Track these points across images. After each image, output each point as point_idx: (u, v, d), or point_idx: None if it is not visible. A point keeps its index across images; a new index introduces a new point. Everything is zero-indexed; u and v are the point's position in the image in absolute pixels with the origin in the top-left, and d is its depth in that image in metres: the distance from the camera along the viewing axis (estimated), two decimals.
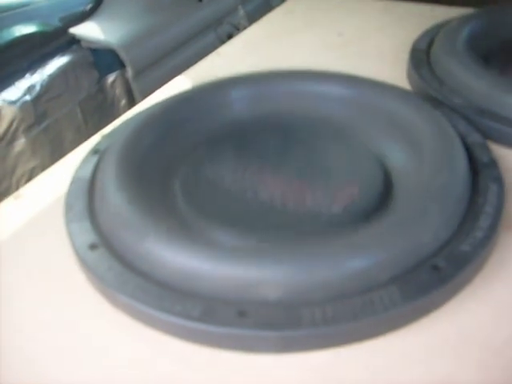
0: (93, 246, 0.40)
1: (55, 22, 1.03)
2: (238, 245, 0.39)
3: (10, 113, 0.87)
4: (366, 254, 0.36)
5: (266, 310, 0.34)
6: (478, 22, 0.65)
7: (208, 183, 0.48)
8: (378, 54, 0.71)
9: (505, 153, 0.50)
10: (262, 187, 0.47)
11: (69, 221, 0.43)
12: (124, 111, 0.62)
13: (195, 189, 0.47)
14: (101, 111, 1.01)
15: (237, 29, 1.15)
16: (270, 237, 0.41)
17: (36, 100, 0.90)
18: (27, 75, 0.91)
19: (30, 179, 0.54)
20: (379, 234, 0.37)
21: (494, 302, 0.37)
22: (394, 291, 0.35)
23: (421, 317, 0.36)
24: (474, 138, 0.49)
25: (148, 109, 0.56)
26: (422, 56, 0.64)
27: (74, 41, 0.98)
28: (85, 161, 0.50)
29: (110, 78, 1.01)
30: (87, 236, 0.41)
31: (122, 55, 0.98)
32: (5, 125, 0.87)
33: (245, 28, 0.87)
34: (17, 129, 0.88)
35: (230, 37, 1.09)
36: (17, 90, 0.89)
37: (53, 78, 0.93)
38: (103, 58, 0.99)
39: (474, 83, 0.55)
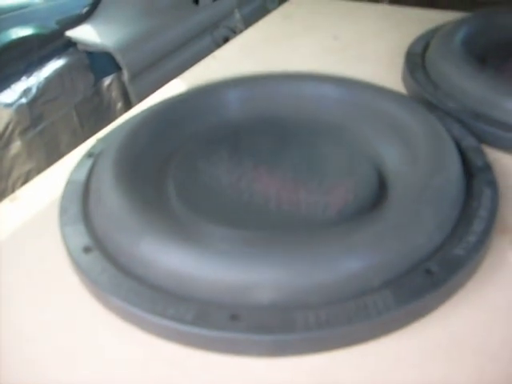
0: (87, 249, 0.40)
1: (52, 25, 1.04)
2: (232, 247, 0.39)
3: (5, 115, 0.87)
4: (359, 258, 0.36)
5: (259, 313, 0.34)
6: (472, 26, 0.66)
7: (203, 185, 0.48)
8: (374, 57, 0.71)
9: (499, 156, 0.50)
10: (257, 189, 0.47)
11: (63, 224, 0.43)
12: (120, 114, 0.62)
13: (190, 191, 0.47)
14: (97, 114, 1.01)
15: (233, 32, 1.16)
16: (264, 239, 0.41)
17: (32, 103, 0.90)
18: (23, 78, 0.91)
19: (25, 182, 0.54)
20: (373, 238, 0.37)
21: (487, 306, 0.37)
22: (387, 295, 0.35)
23: (414, 321, 0.36)
24: (469, 141, 0.49)
25: (142, 112, 0.56)
26: (417, 60, 0.64)
27: (71, 44, 0.98)
28: (79, 164, 0.50)
29: (106, 81, 1.01)
30: (81, 239, 0.41)
31: (118, 58, 0.98)
32: (1, 127, 0.87)
33: (241, 31, 0.87)
34: (13, 131, 0.88)
35: (226, 40, 1.09)
36: (13, 93, 0.89)
37: (49, 81, 0.93)
38: (99, 61, 0.99)
39: (469, 87, 0.55)
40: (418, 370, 0.33)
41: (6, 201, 0.50)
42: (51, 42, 0.97)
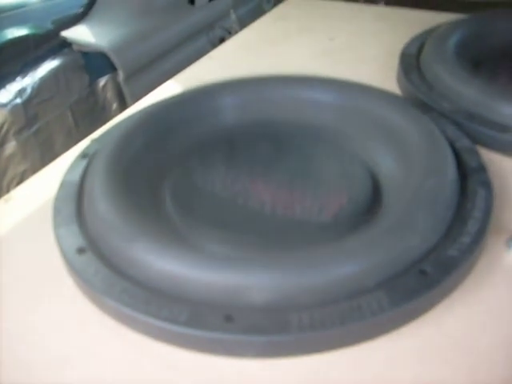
0: (80, 250, 0.40)
1: (48, 25, 1.03)
2: (226, 249, 0.39)
3: (0, 116, 0.87)
4: (353, 259, 0.36)
5: (253, 315, 0.34)
6: (467, 28, 0.66)
7: (197, 189, 0.48)
8: (369, 59, 0.71)
9: (493, 157, 0.50)
10: (251, 193, 0.47)
11: (57, 225, 0.43)
12: (115, 115, 0.62)
13: (184, 194, 0.47)
14: (92, 114, 1.00)
15: (229, 33, 1.15)
16: (258, 243, 0.41)
17: (27, 103, 0.90)
18: (18, 78, 0.91)
19: (20, 182, 0.54)
20: (367, 240, 0.37)
21: (481, 306, 0.37)
22: (381, 296, 0.35)
23: (408, 321, 0.36)
24: (463, 142, 0.49)
25: (137, 113, 0.55)
26: (411, 61, 0.64)
27: (66, 44, 0.98)
28: (74, 165, 0.50)
29: (102, 81, 1.01)
30: (75, 240, 0.41)
31: (114, 59, 0.98)
32: None
33: (237, 32, 0.87)
34: (7, 132, 0.88)
35: (221, 41, 1.09)
36: (7, 93, 0.88)
37: (44, 81, 0.92)
38: (94, 62, 0.99)
39: (463, 88, 0.55)
40: (412, 371, 0.33)
41: (1, 201, 0.50)
42: (46, 43, 0.97)
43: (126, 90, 1.01)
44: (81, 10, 1.06)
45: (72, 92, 0.97)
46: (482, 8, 0.71)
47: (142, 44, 1.02)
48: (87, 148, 0.52)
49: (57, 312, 0.39)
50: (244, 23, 0.92)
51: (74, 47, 0.98)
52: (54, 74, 0.94)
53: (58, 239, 0.42)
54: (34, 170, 0.55)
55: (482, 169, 0.46)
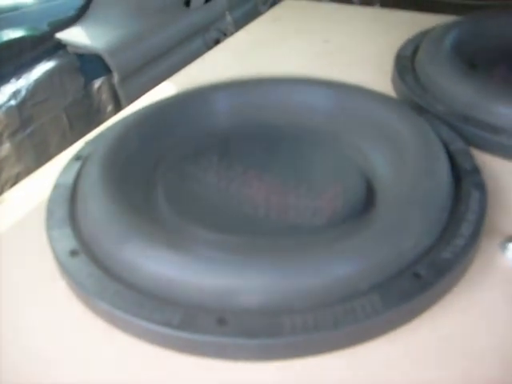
0: (73, 253, 0.40)
1: (44, 27, 1.03)
2: (220, 252, 0.39)
3: None
4: (347, 263, 0.36)
5: (246, 317, 0.34)
6: (462, 29, 0.66)
7: (191, 190, 0.48)
8: (364, 60, 0.71)
9: (488, 160, 0.50)
10: (245, 195, 0.47)
11: (50, 227, 0.43)
12: (110, 117, 0.62)
13: (178, 196, 0.47)
14: (87, 117, 1.00)
15: (224, 35, 1.15)
16: (251, 245, 0.41)
17: (21, 105, 0.90)
18: (12, 80, 0.90)
19: (15, 184, 0.54)
20: (361, 242, 0.37)
21: (475, 309, 0.37)
22: (375, 299, 0.35)
23: (402, 324, 0.36)
24: (458, 145, 0.49)
25: (131, 115, 0.55)
26: (406, 63, 0.64)
27: (60, 46, 0.97)
28: (67, 167, 0.50)
29: (96, 83, 1.01)
30: (68, 242, 0.41)
31: (109, 61, 0.98)
32: None
33: (232, 34, 0.87)
34: (1, 134, 0.87)
35: (217, 43, 1.08)
36: (2, 95, 0.88)
37: (38, 83, 0.92)
38: (89, 64, 0.98)
39: (458, 90, 0.55)
40: (406, 374, 0.33)
41: None
42: (41, 44, 0.97)
43: (121, 92, 1.01)
44: (76, 12, 1.06)
45: (67, 94, 0.97)
46: (476, 10, 0.71)
47: (137, 46, 1.02)
48: (81, 150, 0.52)
49: (49, 314, 0.39)
50: (240, 25, 0.92)
51: (69, 49, 0.98)
52: (48, 75, 0.94)
53: (51, 241, 0.42)
54: (29, 172, 0.55)
55: (476, 171, 0.46)
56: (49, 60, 0.95)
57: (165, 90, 0.68)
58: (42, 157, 0.92)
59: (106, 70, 1.00)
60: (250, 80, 0.58)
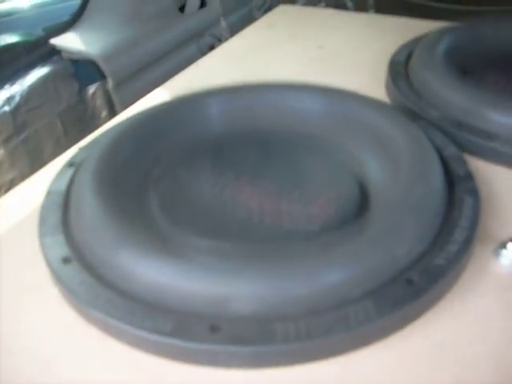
0: (66, 260, 0.40)
1: (38, 32, 1.03)
2: (213, 259, 0.39)
3: None
4: (340, 270, 0.36)
5: (238, 325, 0.34)
6: (455, 35, 0.66)
7: (185, 197, 0.47)
8: (358, 66, 0.71)
9: (481, 165, 0.50)
10: (239, 201, 0.47)
11: (42, 234, 0.43)
12: (105, 122, 0.62)
13: (171, 203, 0.47)
14: (81, 122, 1.00)
15: (219, 40, 1.15)
16: (244, 251, 0.41)
17: (15, 111, 0.89)
18: (7, 86, 0.90)
19: (8, 190, 0.53)
20: (354, 249, 0.37)
21: (468, 315, 0.37)
22: (368, 305, 0.35)
23: (395, 331, 0.36)
24: (451, 150, 0.49)
25: (125, 121, 0.55)
26: (400, 69, 0.64)
27: (55, 51, 0.97)
28: (60, 174, 0.50)
29: (91, 89, 1.01)
30: (60, 249, 0.41)
31: (103, 66, 0.97)
32: None
33: (227, 40, 0.87)
34: None
35: (211, 48, 1.08)
36: None
37: (33, 89, 0.92)
38: (84, 69, 0.98)
39: (451, 96, 0.55)
40: (399, 380, 0.33)
41: None
42: (35, 50, 0.96)
43: (115, 98, 1.01)
44: (71, 17, 1.06)
45: (61, 100, 0.96)
46: (470, 16, 0.71)
47: (131, 52, 1.02)
48: (74, 156, 0.52)
49: (41, 322, 0.38)
50: (234, 31, 0.92)
51: (64, 55, 0.98)
52: (43, 81, 0.93)
53: (44, 248, 0.42)
54: (23, 178, 0.55)
55: (469, 177, 0.46)
56: (43, 66, 0.95)
57: (159, 95, 0.67)
58: (36, 163, 0.92)
59: (101, 76, 1.00)
60: (244, 86, 0.58)
